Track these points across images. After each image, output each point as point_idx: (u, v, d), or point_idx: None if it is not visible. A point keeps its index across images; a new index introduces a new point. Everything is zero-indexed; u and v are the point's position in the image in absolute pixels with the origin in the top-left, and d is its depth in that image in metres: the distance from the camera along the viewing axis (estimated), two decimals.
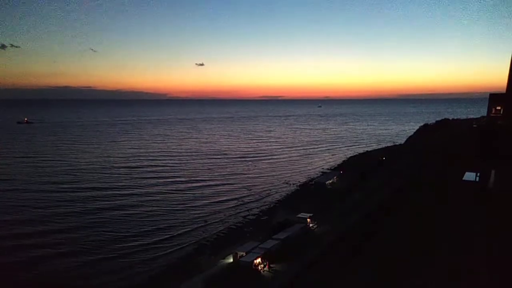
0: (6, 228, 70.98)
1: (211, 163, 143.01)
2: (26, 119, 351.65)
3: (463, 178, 39.33)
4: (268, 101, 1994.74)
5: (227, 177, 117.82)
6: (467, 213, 29.84)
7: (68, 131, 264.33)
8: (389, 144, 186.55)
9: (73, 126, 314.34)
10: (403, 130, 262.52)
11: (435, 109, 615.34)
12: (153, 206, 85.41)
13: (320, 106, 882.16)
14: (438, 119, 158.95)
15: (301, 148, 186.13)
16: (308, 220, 67.32)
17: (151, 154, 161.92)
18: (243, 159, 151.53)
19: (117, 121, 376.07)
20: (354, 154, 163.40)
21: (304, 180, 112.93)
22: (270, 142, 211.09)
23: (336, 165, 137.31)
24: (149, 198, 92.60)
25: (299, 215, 69.63)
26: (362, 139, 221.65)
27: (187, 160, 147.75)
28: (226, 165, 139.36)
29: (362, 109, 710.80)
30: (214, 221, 77.09)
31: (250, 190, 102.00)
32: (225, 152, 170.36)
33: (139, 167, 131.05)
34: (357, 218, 52.46)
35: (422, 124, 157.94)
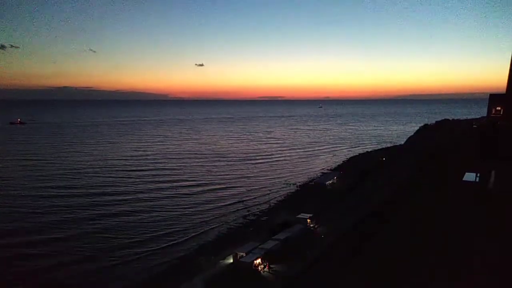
0: (6, 237, 68.00)
1: (211, 164, 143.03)
2: (19, 119, 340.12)
3: (463, 179, 39.29)
4: (268, 102, 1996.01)
5: (227, 178, 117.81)
6: (467, 214, 29.84)
7: (64, 132, 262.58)
8: (389, 145, 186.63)
9: (70, 126, 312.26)
10: (403, 130, 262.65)
11: (435, 110, 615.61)
12: (153, 209, 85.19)
13: (320, 107, 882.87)
14: (438, 119, 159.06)
15: (301, 148, 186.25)
16: (308, 220, 67.36)
17: (151, 156, 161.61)
18: (243, 160, 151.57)
19: (117, 122, 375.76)
20: (354, 154, 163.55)
21: (304, 181, 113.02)
22: (270, 143, 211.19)
23: (336, 166, 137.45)
24: (149, 200, 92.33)
25: (299, 216, 69.68)
26: (362, 140, 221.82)
27: (187, 162, 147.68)
28: (226, 166, 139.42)
29: (362, 110, 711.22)
30: (214, 221, 77.19)
31: (250, 190, 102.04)
32: (225, 153, 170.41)
33: (138, 170, 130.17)
34: (357, 218, 52.44)
35: (422, 124, 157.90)
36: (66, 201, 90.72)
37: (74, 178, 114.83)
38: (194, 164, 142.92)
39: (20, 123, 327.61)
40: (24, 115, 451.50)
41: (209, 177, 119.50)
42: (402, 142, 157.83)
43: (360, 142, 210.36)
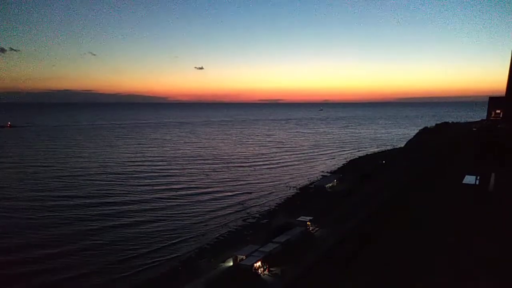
0: (6, 253, 64.02)
1: (210, 167, 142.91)
2: (9, 123, 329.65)
3: (463, 181, 39.33)
4: (268, 104, 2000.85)
5: (227, 181, 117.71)
6: (467, 216, 29.83)
7: (61, 135, 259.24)
8: (389, 148, 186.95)
9: (69, 130, 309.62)
10: (403, 133, 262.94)
11: (435, 113, 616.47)
12: (153, 212, 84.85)
13: (321, 110, 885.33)
14: (438, 122, 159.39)
15: (302, 151, 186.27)
16: (308, 223, 67.20)
17: (150, 160, 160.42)
18: (243, 163, 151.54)
19: (116, 125, 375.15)
20: (354, 157, 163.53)
21: (304, 184, 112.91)
22: (270, 146, 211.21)
23: (336, 169, 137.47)
24: (150, 203, 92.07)
25: (299, 218, 69.54)
26: (362, 143, 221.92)
27: (186, 166, 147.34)
28: (226, 169, 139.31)
29: (362, 112, 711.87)
30: (214, 224, 77.05)
31: (250, 193, 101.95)
32: (225, 157, 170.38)
33: (138, 176, 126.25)
34: (357, 222, 52.39)
35: (422, 127, 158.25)
36: (64, 211, 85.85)
37: (73, 187, 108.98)
38: (194, 167, 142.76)
39: (10, 126, 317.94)
40: (23, 118, 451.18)
41: (209, 180, 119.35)
42: (402, 145, 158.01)
43: (360, 145, 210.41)
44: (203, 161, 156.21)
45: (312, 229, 66.36)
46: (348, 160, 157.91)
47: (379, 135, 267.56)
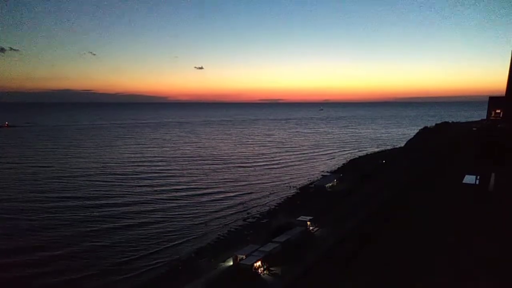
0: (7, 256, 63.25)
1: (210, 167, 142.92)
2: (7, 123, 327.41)
3: (463, 181, 39.30)
4: (268, 104, 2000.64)
5: (227, 181, 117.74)
6: (467, 216, 29.81)
7: (60, 135, 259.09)
8: (389, 147, 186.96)
9: (67, 130, 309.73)
10: (403, 133, 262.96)
11: (435, 112, 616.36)
12: (154, 213, 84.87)
13: (321, 109, 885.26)
14: (438, 122, 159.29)
15: (302, 151, 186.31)
16: (308, 223, 67.24)
17: (149, 160, 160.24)
18: (243, 163, 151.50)
19: (116, 125, 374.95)
20: (355, 157, 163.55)
21: (304, 183, 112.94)
22: (270, 146, 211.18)
23: (336, 168, 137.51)
24: (150, 204, 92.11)
25: (299, 218, 69.59)
26: (362, 142, 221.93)
27: (186, 166, 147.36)
28: (226, 169, 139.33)
29: (362, 112, 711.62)
30: (214, 224, 77.17)
31: (250, 193, 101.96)
32: (225, 157, 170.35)
33: (138, 177, 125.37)
34: (357, 222, 52.40)
35: (422, 127, 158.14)
36: (64, 212, 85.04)
37: (73, 188, 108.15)
38: (194, 168, 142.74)
39: (8, 126, 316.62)
40: (22, 118, 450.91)
41: (209, 181, 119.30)
42: (402, 145, 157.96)
43: (361, 145, 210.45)
44: (203, 161, 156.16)
45: (312, 229, 66.39)
46: (348, 160, 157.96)
47: (379, 135, 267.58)
